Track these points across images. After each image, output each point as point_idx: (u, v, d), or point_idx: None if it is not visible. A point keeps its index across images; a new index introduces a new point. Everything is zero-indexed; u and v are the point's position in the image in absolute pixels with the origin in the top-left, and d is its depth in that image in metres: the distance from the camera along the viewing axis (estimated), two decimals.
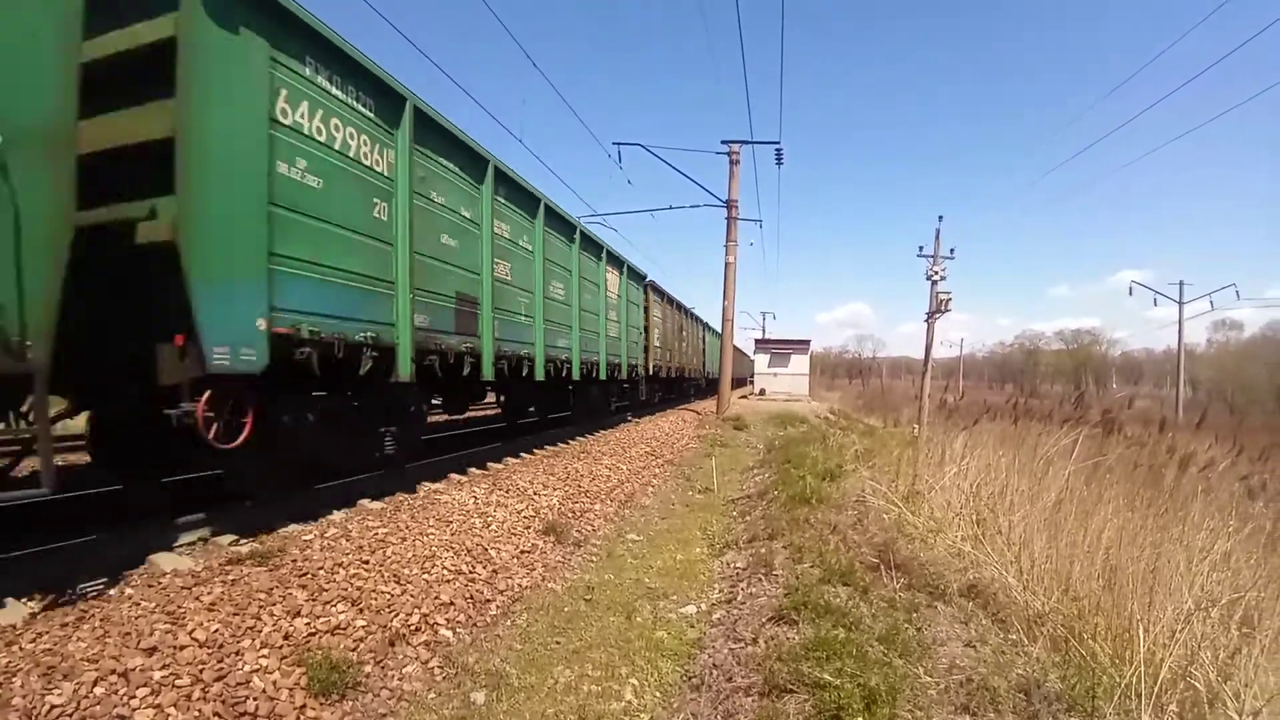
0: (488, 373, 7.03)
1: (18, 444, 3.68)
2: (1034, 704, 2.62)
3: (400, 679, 3.20)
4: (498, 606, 4.19)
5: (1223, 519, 4.05)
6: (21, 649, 2.62)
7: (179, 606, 3.09)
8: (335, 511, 5.10)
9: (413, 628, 3.61)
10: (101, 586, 3.33)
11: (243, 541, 4.22)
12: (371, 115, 5.03)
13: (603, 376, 11.70)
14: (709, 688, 3.23)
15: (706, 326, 28.27)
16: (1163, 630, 2.88)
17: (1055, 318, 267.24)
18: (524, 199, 8.22)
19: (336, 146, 4.62)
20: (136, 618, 2.95)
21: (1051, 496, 4.87)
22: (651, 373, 16.14)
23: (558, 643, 3.81)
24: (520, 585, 4.57)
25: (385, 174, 5.22)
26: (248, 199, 3.84)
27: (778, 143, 19.67)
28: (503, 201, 7.49)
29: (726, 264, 19.02)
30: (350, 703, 2.91)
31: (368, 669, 3.15)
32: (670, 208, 27.05)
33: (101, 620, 2.90)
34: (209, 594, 3.26)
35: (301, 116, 4.28)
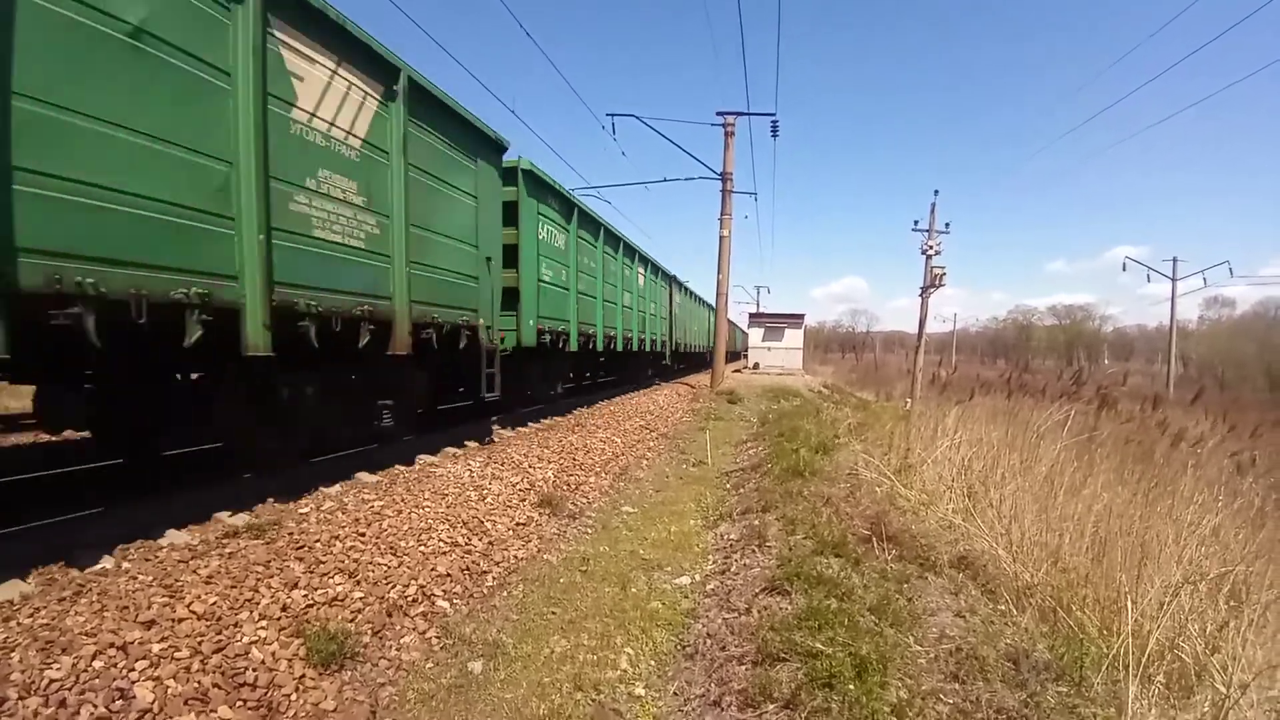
0: None
1: None
2: (1022, 673, 2.67)
3: (398, 649, 3.23)
4: (494, 578, 4.23)
5: (1212, 494, 4.09)
6: (19, 624, 2.62)
7: (176, 580, 3.10)
8: (331, 485, 5.10)
9: (410, 599, 3.63)
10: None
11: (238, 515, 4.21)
12: None
13: (252, 347, 3.98)
14: (703, 656, 3.28)
15: (675, 281, 21.52)
16: (1151, 602, 2.92)
17: (1050, 293, 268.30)
18: None
19: None
20: (134, 591, 2.95)
21: (1042, 470, 4.92)
22: (525, 340, 8.78)
23: (554, 613, 3.85)
24: (516, 557, 4.60)
25: None
26: None
27: (773, 114, 19.31)
28: None
29: (721, 237, 18.86)
30: (349, 673, 2.93)
31: (366, 640, 3.17)
32: (665, 180, 26.26)
33: (99, 594, 2.90)
34: (206, 567, 3.27)
35: None
